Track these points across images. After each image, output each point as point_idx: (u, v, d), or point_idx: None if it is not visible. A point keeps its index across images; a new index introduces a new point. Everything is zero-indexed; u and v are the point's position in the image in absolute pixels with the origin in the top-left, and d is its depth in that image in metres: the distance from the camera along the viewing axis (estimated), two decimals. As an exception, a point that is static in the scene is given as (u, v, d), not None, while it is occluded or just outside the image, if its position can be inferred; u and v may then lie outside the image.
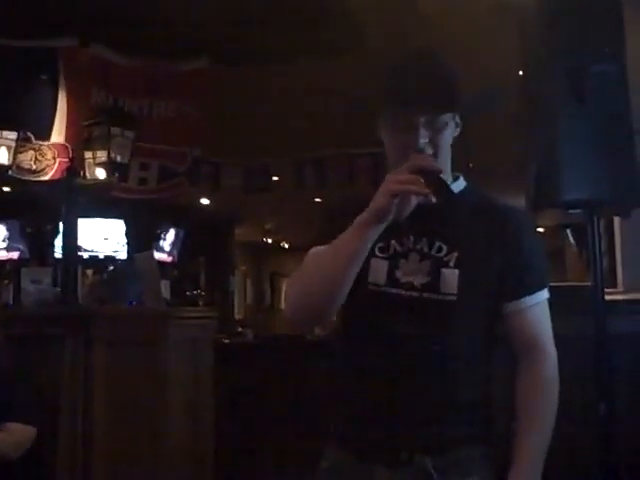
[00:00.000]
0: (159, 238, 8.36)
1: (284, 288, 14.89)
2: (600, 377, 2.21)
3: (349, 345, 1.56)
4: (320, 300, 1.46)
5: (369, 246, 1.41)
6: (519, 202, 2.64)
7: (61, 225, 4.72)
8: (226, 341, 6.57)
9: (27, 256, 7.01)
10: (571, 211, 2.35)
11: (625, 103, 2.23)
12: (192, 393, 3.78)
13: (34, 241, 7.04)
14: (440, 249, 1.48)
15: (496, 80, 4.51)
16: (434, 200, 1.35)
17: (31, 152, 5.05)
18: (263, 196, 6.75)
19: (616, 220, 3.08)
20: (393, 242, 1.50)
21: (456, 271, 1.46)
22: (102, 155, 4.73)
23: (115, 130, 4.76)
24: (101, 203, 5.32)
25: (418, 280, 1.47)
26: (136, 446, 3.44)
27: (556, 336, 1.54)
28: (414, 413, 1.45)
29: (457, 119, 1.54)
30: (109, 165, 4.74)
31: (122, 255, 6.99)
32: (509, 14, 2.59)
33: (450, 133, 1.52)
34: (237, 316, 11.59)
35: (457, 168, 1.60)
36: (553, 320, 1.54)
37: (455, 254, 1.48)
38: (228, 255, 11.33)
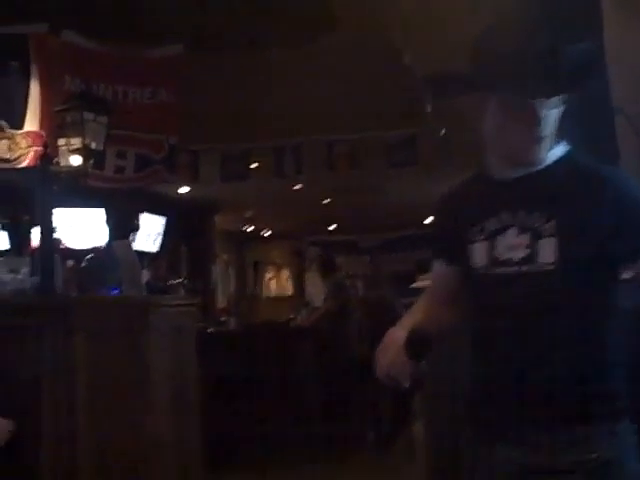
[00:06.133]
0: (138, 227, 8.27)
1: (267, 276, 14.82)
2: None
3: (470, 328, 1.56)
4: None
5: None
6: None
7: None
8: (210, 330, 6.51)
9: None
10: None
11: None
12: (176, 382, 3.73)
13: (12, 231, 6.92)
14: (538, 219, 1.44)
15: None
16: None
17: (5, 141, 4.98)
18: (242, 184, 6.68)
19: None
20: (492, 220, 1.49)
21: (554, 240, 1.41)
22: (76, 142, 4.60)
23: (88, 115, 4.62)
24: (79, 192, 5.22)
25: (517, 255, 1.44)
26: (120, 439, 3.39)
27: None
28: (533, 390, 1.42)
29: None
30: (84, 151, 4.61)
31: (101, 244, 6.90)
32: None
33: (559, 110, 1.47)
34: (220, 305, 11.51)
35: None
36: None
37: (553, 223, 1.42)
38: (208, 244, 11.24)
